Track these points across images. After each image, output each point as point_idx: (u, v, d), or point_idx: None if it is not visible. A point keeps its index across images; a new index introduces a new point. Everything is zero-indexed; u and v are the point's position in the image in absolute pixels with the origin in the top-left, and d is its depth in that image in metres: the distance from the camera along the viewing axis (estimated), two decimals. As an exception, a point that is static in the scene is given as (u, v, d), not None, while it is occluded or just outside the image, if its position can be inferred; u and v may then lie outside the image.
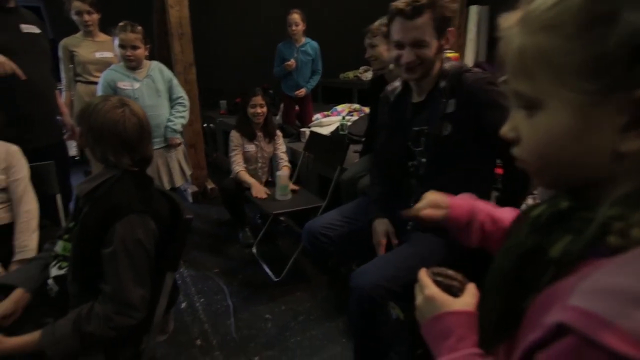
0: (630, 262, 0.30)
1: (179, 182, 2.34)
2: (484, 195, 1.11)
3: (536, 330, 0.33)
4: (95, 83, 2.38)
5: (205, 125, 4.03)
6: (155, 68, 2.15)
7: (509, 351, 0.40)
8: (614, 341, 0.26)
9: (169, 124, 2.19)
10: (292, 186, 2.27)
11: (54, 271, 1.03)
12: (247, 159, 2.43)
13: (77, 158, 3.04)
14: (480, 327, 0.48)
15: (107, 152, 1.00)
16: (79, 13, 2.35)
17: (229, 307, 1.89)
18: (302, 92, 3.21)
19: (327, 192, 2.12)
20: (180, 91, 2.25)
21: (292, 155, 2.80)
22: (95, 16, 2.42)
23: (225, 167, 3.98)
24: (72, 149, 3.25)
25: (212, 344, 1.65)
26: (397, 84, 1.35)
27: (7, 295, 1.00)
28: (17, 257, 1.30)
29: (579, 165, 0.38)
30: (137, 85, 2.06)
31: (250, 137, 2.41)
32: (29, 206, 1.38)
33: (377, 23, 1.73)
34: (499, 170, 1.28)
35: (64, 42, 2.43)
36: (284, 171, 2.31)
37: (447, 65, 1.19)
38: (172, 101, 2.23)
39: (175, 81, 2.23)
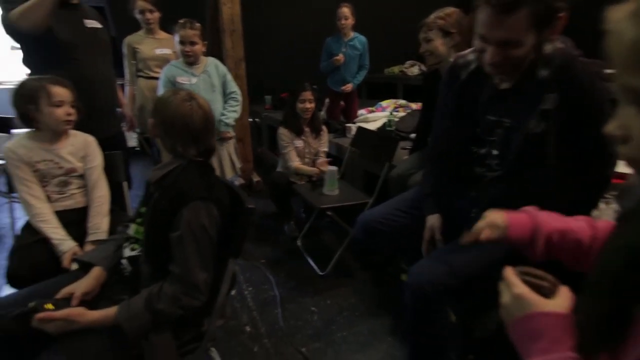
0: None
1: (229, 174, 2.42)
2: (579, 204, 0.99)
3: None
4: (155, 78, 2.53)
5: (250, 120, 4.14)
6: (212, 64, 2.24)
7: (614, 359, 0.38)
8: None
9: (222, 117, 2.27)
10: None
11: (127, 252, 1.12)
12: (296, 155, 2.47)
13: (138, 149, 3.24)
14: (579, 331, 0.45)
15: (177, 143, 1.06)
16: (142, 11, 2.50)
17: (276, 297, 1.94)
18: (349, 87, 3.20)
19: (372, 188, 2.10)
20: (233, 86, 2.32)
21: (337, 150, 2.80)
22: (157, 14, 2.56)
23: (269, 161, 4.08)
24: (132, 139, 3.46)
25: (261, 332, 1.70)
26: (471, 57, 1.13)
27: (86, 272, 1.09)
28: (90, 237, 1.42)
29: None
30: (194, 80, 2.16)
31: (298, 133, 2.43)
32: (102, 192, 1.50)
33: (432, 16, 1.67)
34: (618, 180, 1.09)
35: (128, 39, 2.60)
36: (333, 167, 2.31)
37: (549, 48, 0.95)
38: (226, 96, 2.32)
39: (229, 76, 2.31)
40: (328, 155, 2.56)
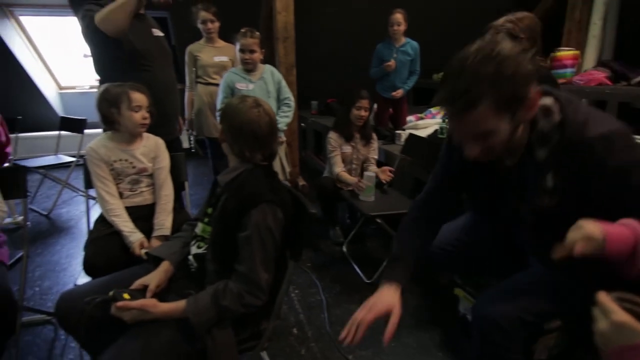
0: None
1: (279, 178, 2.48)
2: None
3: None
4: (213, 84, 2.66)
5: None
6: (268, 71, 2.32)
7: None
8: None
9: (275, 122, 2.34)
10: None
11: (194, 249, 1.18)
12: (342, 160, 2.47)
13: (193, 151, 3.42)
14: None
15: (244, 147, 1.11)
16: (204, 21, 2.65)
17: (322, 301, 1.95)
18: (399, 93, 3.16)
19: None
20: (287, 92, 2.39)
21: (386, 157, 2.78)
22: (217, 24, 2.69)
23: (313, 165, 4.13)
24: (185, 141, 3.65)
25: (308, 335, 1.72)
26: None
27: (156, 266, 1.16)
28: (156, 233, 1.52)
29: None
30: (251, 86, 2.24)
31: (348, 138, 2.44)
32: (168, 191, 1.60)
33: (502, 19, 1.58)
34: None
35: (190, 48, 2.75)
36: (372, 172, 2.29)
37: (543, 123, 0.86)
38: (280, 101, 2.38)
39: (283, 83, 2.38)
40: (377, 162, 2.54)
